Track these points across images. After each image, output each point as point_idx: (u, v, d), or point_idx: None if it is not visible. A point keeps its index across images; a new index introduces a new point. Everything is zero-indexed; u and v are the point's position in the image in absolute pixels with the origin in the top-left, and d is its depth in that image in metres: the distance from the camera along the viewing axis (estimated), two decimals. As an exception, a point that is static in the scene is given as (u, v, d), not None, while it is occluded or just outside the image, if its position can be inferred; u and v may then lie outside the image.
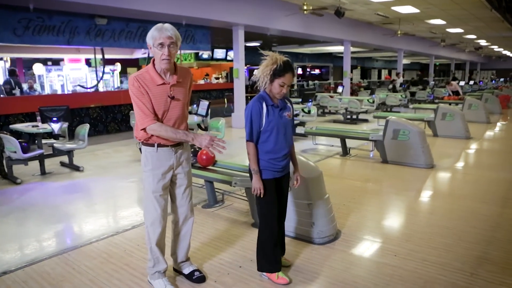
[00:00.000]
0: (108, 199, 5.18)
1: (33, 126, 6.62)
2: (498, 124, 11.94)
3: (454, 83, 16.82)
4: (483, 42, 23.34)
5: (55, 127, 6.35)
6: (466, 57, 30.63)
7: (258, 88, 2.79)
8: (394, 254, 3.36)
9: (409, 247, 3.50)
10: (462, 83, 22.14)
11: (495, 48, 27.57)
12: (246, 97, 12.20)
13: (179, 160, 2.77)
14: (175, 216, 2.91)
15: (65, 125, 6.64)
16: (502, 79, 31.34)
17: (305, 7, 10.20)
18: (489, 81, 29.55)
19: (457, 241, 3.62)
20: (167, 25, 2.56)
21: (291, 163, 3.00)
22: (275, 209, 2.85)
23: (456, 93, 15.89)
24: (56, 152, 6.55)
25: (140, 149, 2.89)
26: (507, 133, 10.78)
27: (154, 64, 2.63)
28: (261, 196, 2.78)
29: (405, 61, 31.66)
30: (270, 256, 2.88)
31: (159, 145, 2.67)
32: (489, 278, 2.96)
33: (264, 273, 2.96)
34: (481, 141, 9.00)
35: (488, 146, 8.74)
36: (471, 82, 25.92)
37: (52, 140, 6.75)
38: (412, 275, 3.01)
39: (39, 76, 13.34)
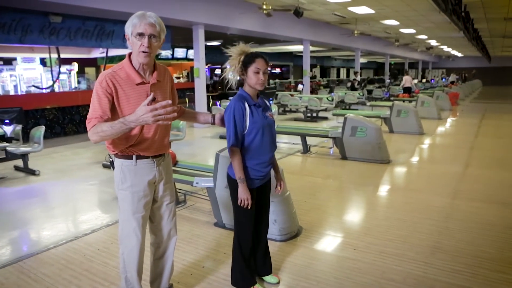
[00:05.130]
0: (67, 203, 5.02)
1: (-18, 129, 6.31)
2: (449, 120, 12.61)
3: (409, 76, 17.40)
4: (433, 42, 24.46)
5: (8, 129, 6.10)
6: (419, 57, 31.97)
7: (233, 87, 2.49)
8: (353, 248, 3.49)
9: (368, 240, 3.64)
10: (415, 81, 23.11)
11: (445, 48, 28.96)
12: (208, 96, 12.16)
13: (161, 174, 2.39)
14: (156, 237, 2.53)
15: (19, 127, 6.37)
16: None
17: (264, 7, 10.28)
18: (440, 79, 30.97)
19: (412, 232, 3.81)
20: (150, 12, 2.20)
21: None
22: (252, 221, 2.65)
23: (408, 89, 16.45)
24: (10, 156, 6.27)
25: (111, 162, 2.39)
26: (456, 129, 11.40)
27: (130, 60, 2.22)
28: (248, 207, 2.51)
29: (363, 60, 32.65)
30: (244, 271, 2.71)
31: (138, 157, 2.27)
32: (441, 266, 3.14)
33: None
34: (433, 136, 9.45)
35: (440, 141, 9.20)
36: (424, 80, 27.15)
37: (5, 144, 6.44)
38: (371, 267, 3.14)
39: (-12, 76, 12.65)
